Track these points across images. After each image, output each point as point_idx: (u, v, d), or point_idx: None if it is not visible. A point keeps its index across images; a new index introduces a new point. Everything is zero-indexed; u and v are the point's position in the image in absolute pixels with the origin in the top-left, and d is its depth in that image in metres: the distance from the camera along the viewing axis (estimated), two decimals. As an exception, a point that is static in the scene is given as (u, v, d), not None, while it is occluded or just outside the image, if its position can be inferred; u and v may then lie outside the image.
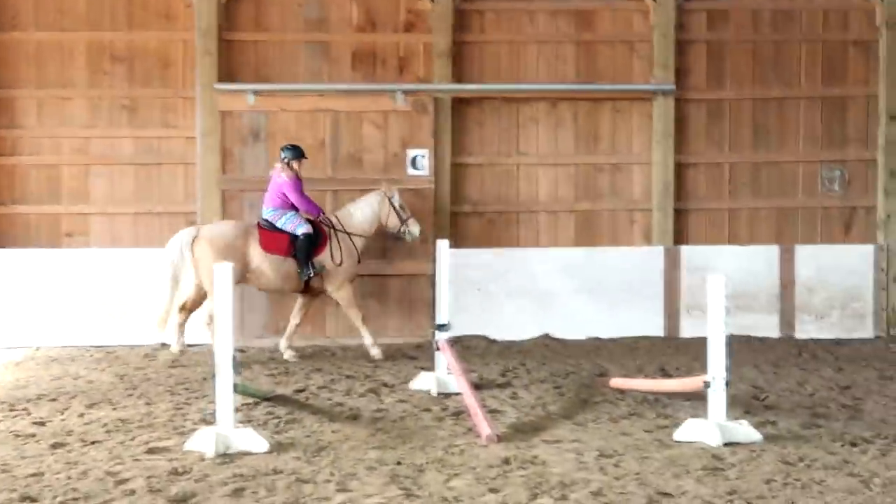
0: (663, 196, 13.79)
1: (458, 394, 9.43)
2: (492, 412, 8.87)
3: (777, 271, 13.67)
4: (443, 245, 10.69)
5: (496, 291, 13.45)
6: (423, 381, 10.15)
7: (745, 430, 7.97)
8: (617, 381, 9.96)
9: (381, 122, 13.53)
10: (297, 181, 12.31)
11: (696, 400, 8.87)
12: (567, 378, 10.74)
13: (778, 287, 13.68)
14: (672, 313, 13.57)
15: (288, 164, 12.24)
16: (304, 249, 12.09)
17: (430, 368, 10.40)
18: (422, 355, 12.11)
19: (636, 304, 13.45)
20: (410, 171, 13.48)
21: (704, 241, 13.94)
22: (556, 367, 11.39)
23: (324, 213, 12.47)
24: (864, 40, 14.14)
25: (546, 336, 13.27)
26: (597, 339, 13.30)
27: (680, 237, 13.92)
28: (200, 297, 12.21)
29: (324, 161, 13.42)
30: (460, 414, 8.85)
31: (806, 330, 13.66)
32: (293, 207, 12.28)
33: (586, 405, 9.35)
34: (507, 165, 13.94)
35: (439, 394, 9.76)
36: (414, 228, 12.54)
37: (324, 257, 12.24)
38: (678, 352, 12.48)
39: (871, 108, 14.17)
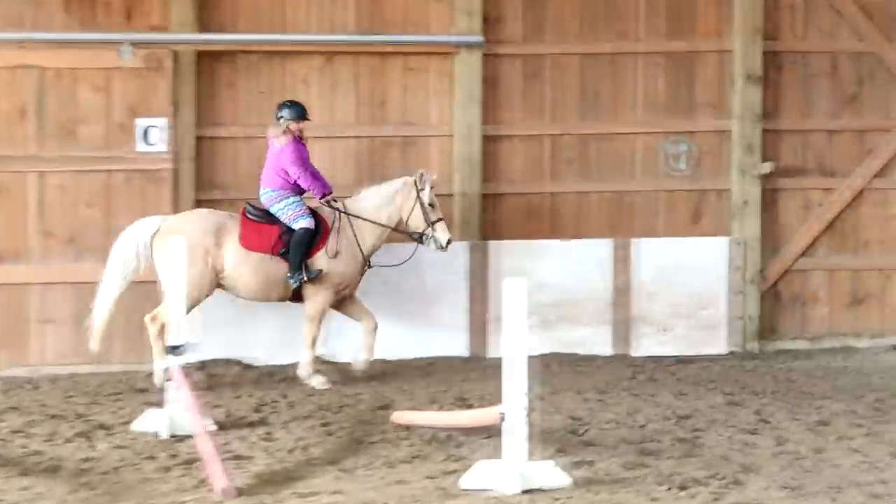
0: (468, 177, 14.11)
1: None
2: (237, 458, 9.00)
3: (610, 273, 14.15)
4: (176, 242, 10.68)
5: (253, 302, 13.33)
6: (151, 421, 10.17)
7: (552, 473, 8.29)
8: (400, 416, 10.19)
9: (103, 83, 13.45)
10: (300, 150, 12.45)
11: (500, 437, 9.18)
12: (339, 412, 10.94)
13: (611, 292, 14.17)
14: (478, 327, 13.91)
15: (287, 127, 12.38)
16: (300, 247, 12.21)
17: (161, 404, 10.44)
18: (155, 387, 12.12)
19: (433, 317, 13.73)
20: (141, 146, 13.44)
21: (520, 235, 14.32)
22: (326, 399, 11.57)
23: (331, 194, 12.64)
24: (717, -13, 14.78)
25: (317, 360, 13.42)
26: (384, 360, 13.50)
27: (489, 230, 14.29)
28: None
29: (24, 134, 13.25)
30: (193, 462, 8.92)
31: (645, 345, 14.20)
32: (297, 190, 12.39)
33: (359, 447, 9.56)
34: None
35: (171, 437, 9.81)
36: (441, 235, 12.72)
37: (318, 258, 12.36)
38: (485, 376, 12.77)
39: (724, 67, 14.80)
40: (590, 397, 11.66)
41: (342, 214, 12.59)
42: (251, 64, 13.97)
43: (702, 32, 14.76)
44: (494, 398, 11.21)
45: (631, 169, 14.65)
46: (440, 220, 12.74)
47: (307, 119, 12.66)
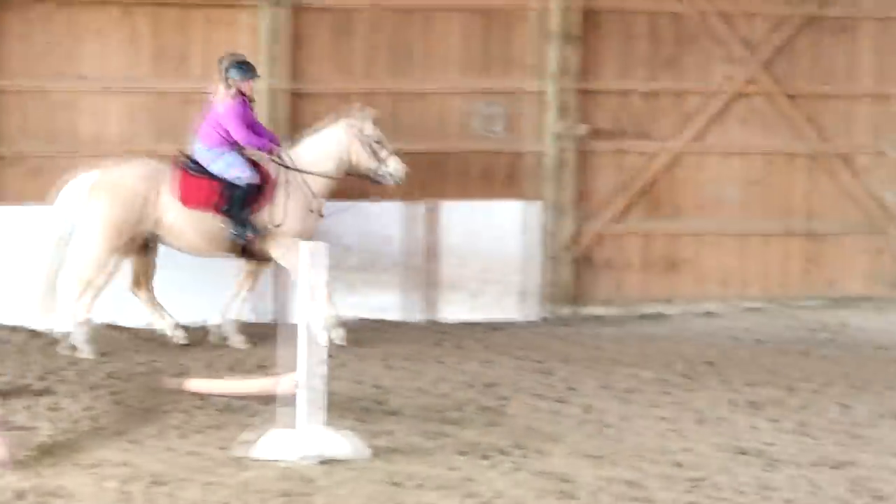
0: (270, 136, 14.05)
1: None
2: (18, 429, 8.85)
3: (419, 236, 14.25)
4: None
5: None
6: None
7: (349, 444, 8.36)
8: (194, 384, 10.15)
9: None
10: (241, 108, 12.38)
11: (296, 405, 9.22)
12: (130, 381, 10.85)
13: (420, 257, 14.26)
14: (282, 293, 13.81)
15: (234, 85, 12.31)
16: (240, 203, 12.22)
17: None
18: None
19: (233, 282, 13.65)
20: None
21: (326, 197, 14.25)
22: (118, 367, 11.47)
23: (279, 147, 12.66)
24: (530, -61, 14.91)
25: (107, 326, 13.24)
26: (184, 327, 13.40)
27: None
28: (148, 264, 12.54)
29: None
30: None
31: (454, 311, 14.34)
32: (235, 144, 12.35)
33: (150, 417, 9.50)
34: (61, 93, 13.82)
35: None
36: (396, 168, 12.75)
37: (264, 213, 12.33)
38: (286, 342, 12.76)
39: (541, 26, 14.93)
40: (394, 364, 11.76)
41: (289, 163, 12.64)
42: (43, 13, 13.69)
43: (517, -13, 14.90)
44: (293, 366, 11.31)
45: (444, 129, 14.72)
46: (391, 154, 12.81)
47: (257, 76, 12.73)
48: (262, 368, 11.52)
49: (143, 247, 12.49)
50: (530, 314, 14.58)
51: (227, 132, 12.33)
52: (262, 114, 13.88)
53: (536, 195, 14.86)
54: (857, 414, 9.97)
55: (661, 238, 15.33)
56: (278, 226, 12.35)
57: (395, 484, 7.72)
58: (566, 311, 14.78)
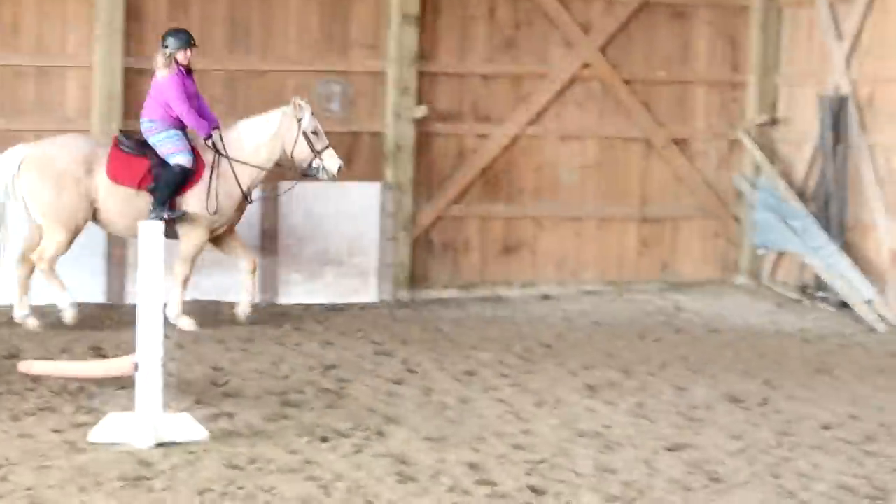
0: (107, 113, 13.78)
1: None
2: None
3: (257, 217, 14.12)
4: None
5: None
6: None
7: (187, 427, 8.29)
8: (29, 365, 9.95)
9: None
10: (180, 80, 12.20)
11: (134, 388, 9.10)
12: (-39, 363, 10.64)
13: (258, 237, 14.16)
14: (117, 274, 13.70)
15: (170, 56, 12.17)
16: (170, 184, 12.04)
17: None
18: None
19: (71, 263, 13.37)
20: None
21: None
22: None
23: (217, 131, 12.49)
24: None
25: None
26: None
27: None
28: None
29: None
30: None
31: (293, 293, 14.27)
32: (179, 123, 12.23)
33: (-21, 399, 9.34)
34: None
35: None
36: (331, 163, 12.60)
37: (189, 197, 12.14)
38: (122, 324, 12.56)
39: (381, 6, 14.91)
40: (233, 347, 11.69)
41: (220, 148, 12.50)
42: None
43: (356, -33, 14.87)
44: (130, 347, 11.17)
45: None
46: (327, 147, 12.68)
47: (194, 45, 12.44)
48: (97, 350, 11.38)
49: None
50: (370, 296, 14.58)
51: (170, 107, 12.19)
52: (97, 88, 13.75)
53: (376, 176, 14.84)
54: (693, 396, 10.14)
55: (499, 221, 15.44)
56: (214, 213, 12.30)
57: (234, 467, 7.69)
58: (406, 293, 14.81)
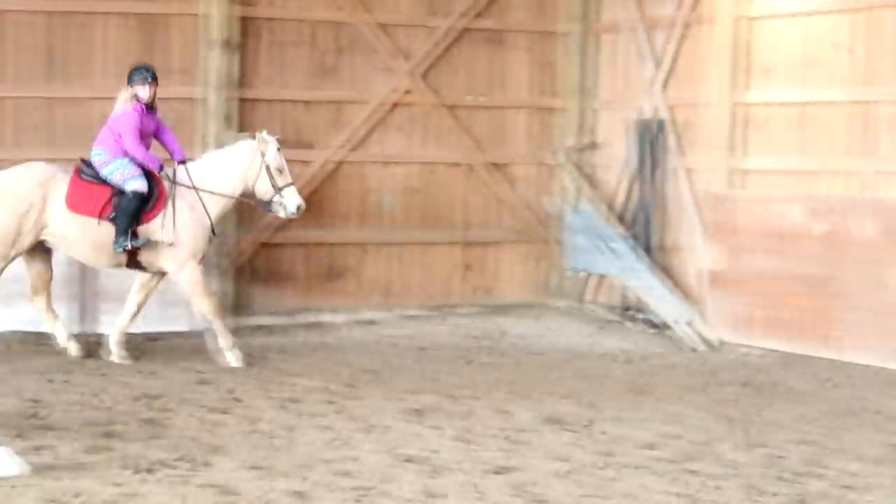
0: None
1: None
2: None
3: (76, 247, 13.87)
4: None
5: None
6: None
7: (7, 461, 8.08)
8: None
9: None
10: (138, 116, 12.14)
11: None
12: None
13: (78, 265, 13.86)
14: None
15: (135, 95, 12.20)
16: (128, 212, 11.93)
17: None
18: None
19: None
20: None
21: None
22: None
23: (183, 164, 12.48)
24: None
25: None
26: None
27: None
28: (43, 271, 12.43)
29: None
30: None
31: (114, 323, 13.95)
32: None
33: None
34: None
35: None
36: (290, 201, 12.52)
37: (152, 226, 11.91)
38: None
39: (199, 32, 14.83)
40: (53, 378, 11.45)
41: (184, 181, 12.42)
42: None
43: (170, -8, 14.78)
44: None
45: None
46: (289, 185, 12.60)
47: (155, 82, 12.33)
48: None
49: (38, 253, 12.41)
50: (194, 324, 14.38)
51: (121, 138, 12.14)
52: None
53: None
54: (519, 420, 10.16)
55: (323, 247, 15.44)
56: (171, 244, 12.22)
57: (56, 501, 7.50)
58: (230, 320, 14.62)
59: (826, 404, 10.98)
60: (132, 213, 12.00)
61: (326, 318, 15.26)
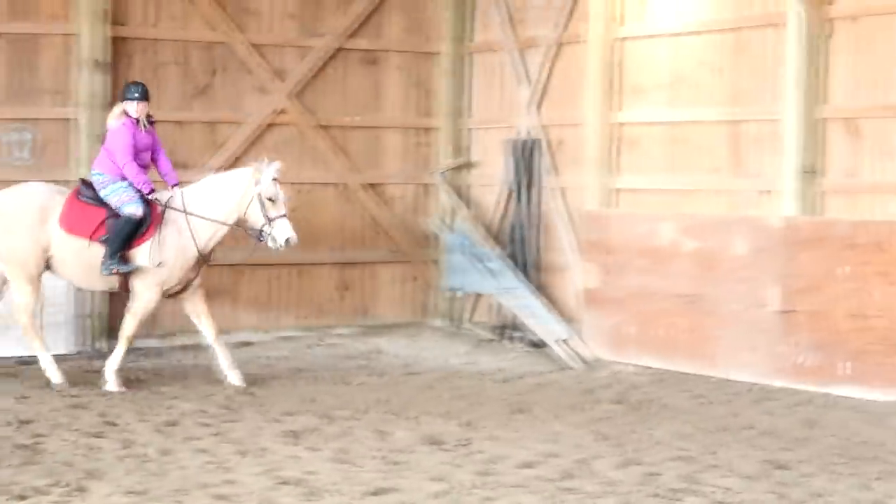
0: None
1: None
2: None
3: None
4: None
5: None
6: None
7: None
8: None
9: None
10: (128, 131, 11.97)
11: None
12: None
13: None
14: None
15: (123, 110, 12.11)
16: (121, 235, 11.79)
17: None
18: None
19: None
20: None
21: None
22: None
23: (177, 187, 12.34)
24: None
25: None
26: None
27: None
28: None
29: None
30: None
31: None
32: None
33: None
34: None
35: None
36: (279, 232, 12.25)
37: (141, 250, 11.73)
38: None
39: (70, 53, 14.69)
40: (-78, 406, 11.24)
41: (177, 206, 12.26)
42: None
43: (46, 14, 14.63)
44: None
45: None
46: (282, 216, 12.29)
47: (145, 100, 12.27)
48: None
49: None
50: (66, 347, 14.25)
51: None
52: None
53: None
54: (396, 440, 10.13)
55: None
56: (159, 264, 12.08)
57: (-74, 532, 7.36)
58: (103, 343, 14.54)
59: (701, 421, 11.05)
60: (125, 236, 11.86)
61: (201, 340, 15.10)
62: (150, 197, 12.16)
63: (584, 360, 14.19)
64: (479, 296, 16.21)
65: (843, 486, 8.71)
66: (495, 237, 15.98)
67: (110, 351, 14.16)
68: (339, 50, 16.06)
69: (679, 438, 10.33)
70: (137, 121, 12.25)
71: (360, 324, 16.19)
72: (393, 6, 16.40)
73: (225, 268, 15.37)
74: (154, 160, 12.58)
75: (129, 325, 12.44)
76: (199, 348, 14.70)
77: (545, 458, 9.55)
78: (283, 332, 15.72)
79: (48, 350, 12.53)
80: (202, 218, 12.27)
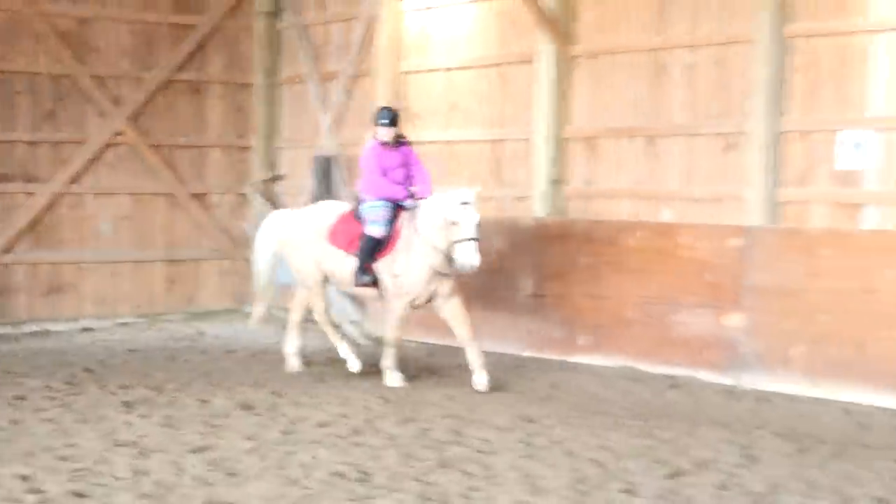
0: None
1: None
2: None
3: None
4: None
5: None
6: None
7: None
8: None
9: None
10: (374, 153, 11.06)
11: None
12: None
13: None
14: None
15: (375, 132, 11.17)
16: (364, 250, 11.07)
17: None
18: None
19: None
20: None
21: None
22: None
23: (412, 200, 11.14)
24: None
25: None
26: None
27: None
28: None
29: None
30: None
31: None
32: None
33: None
34: None
35: None
36: (461, 255, 10.64)
37: (380, 264, 11.15)
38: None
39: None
40: None
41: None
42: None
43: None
44: None
45: None
46: (466, 240, 10.65)
47: (389, 125, 11.08)
48: None
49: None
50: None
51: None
52: None
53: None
54: (214, 407, 10.05)
55: (45, 266, 15.11)
56: (395, 277, 11.11)
57: None
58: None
59: (466, 385, 11.15)
60: (367, 251, 11.09)
61: (48, 326, 14.91)
62: (405, 204, 11.15)
63: (371, 338, 14.24)
64: (286, 286, 16.16)
65: (578, 435, 8.94)
66: (301, 237, 15.96)
67: None
68: (170, 81, 15.89)
69: (447, 400, 10.48)
70: (392, 143, 11.25)
71: (186, 311, 16.06)
72: (215, 44, 16.30)
73: (69, 265, 15.22)
74: (410, 176, 11.41)
75: (387, 333, 11.46)
76: (46, 334, 14.51)
77: (338, 418, 9.58)
78: (120, 319, 15.51)
79: (343, 341, 12.06)
80: (418, 235, 11.06)
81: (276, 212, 12.36)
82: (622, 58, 12.60)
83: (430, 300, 11.22)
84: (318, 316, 12.02)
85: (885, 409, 9.97)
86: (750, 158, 11.33)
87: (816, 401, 10.28)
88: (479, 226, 10.71)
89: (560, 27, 12.89)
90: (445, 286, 11.15)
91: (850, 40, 10.80)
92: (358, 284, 11.31)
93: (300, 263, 11.85)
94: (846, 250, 10.51)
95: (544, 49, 12.98)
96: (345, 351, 11.87)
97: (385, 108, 11.49)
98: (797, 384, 10.54)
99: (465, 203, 10.67)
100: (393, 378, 11.27)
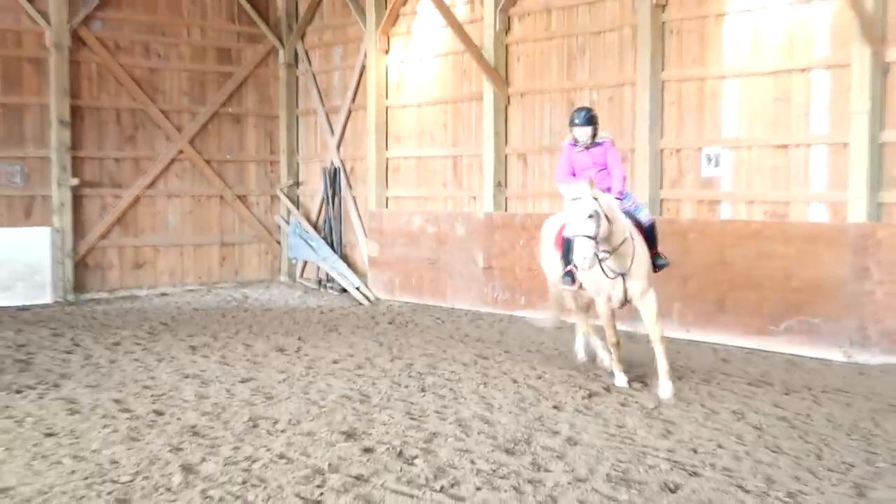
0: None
1: None
2: None
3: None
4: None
5: None
6: None
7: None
8: None
9: None
10: (566, 152, 8.19)
11: None
12: None
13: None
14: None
15: (571, 131, 8.18)
16: (562, 252, 8.20)
17: None
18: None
19: None
20: None
21: None
22: None
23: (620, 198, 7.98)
24: (35, 58, 13.97)
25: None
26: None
27: None
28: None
29: None
30: None
31: (-1, 300, 13.14)
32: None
33: None
34: None
35: None
36: (615, 259, 7.65)
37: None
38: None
39: (45, 115, 14.07)
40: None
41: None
42: None
43: (28, 91, 13.92)
44: None
45: (-18, 182, 13.53)
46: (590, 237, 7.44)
47: (582, 125, 8.10)
48: None
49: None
50: (47, 299, 13.72)
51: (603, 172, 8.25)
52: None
53: (48, 223, 14.02)
54: (256, 349, 10.04)
55: (130, 248, 14.95)
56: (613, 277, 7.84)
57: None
58: (71, 296, 14.02)
59: (438, 332, 11.17)
60: (563, 254, 8.26)
61: (135, 293, 14.78)
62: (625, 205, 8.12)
63: (369, 300, 14.24)
64: (306, 262, 16.13)
65: (521, 368, 8.96)
66: (315, 227, 15.91)
67: (77, 301, 13.79)
68: (217, 114, 15.71)
69: (425, 343, 10.47)
70: (587, 143, 8.22)
71: (234, 280, 15.93)
72: (250, 87, 16.11)
73: (148, 248, 15.05)
74: (610, 173, 8.26)
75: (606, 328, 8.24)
76: (133, 298, 14.39)
77: (346, 357, 9.59)
78: (187, 286, 15.37)
79: (583, 333, 9.05)
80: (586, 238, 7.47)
81: (549, 217, 9.13)
82: (544, 96, 12.56)
83: (626, 300, 8.03)
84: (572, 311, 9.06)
85: (740, 348, 10.05)
86: (638, 168, 11.34)
87: (689, 342, 10.34)
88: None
89: (500, 75, 12.86)
90: (635, 287, 7.98)
91: (709, 83, 10.83)
92: (566, 287, 8.37)
93: (544, 266, 9.05)
94: (708, 235, 10.55)
95: (488, 90, 12.95)
96: (580, 343, 9.14)
97: (579, 108, 8.34)
98: (675, 331, 10.58)
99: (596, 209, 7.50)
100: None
